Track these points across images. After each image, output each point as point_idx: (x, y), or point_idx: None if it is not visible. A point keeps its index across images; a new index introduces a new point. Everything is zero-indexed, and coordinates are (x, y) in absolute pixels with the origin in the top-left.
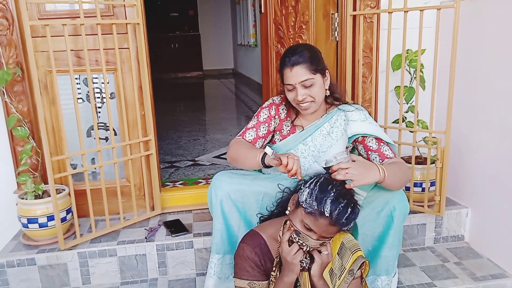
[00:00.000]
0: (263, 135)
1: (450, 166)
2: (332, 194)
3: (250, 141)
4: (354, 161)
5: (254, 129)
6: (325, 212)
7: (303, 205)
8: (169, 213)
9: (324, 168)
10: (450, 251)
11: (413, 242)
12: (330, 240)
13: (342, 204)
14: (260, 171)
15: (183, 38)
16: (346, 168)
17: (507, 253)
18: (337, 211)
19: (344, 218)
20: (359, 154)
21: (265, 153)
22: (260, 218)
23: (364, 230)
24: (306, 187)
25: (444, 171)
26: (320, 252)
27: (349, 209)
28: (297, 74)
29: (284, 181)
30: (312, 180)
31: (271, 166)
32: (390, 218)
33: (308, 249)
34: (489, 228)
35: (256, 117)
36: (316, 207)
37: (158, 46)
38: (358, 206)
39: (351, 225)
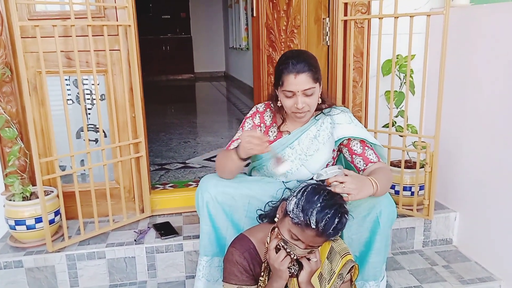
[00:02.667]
0: None
1: (439, 171)
2: (319, 204)
3: None
4: (347, 175)
5: (239, 140)
6: (311, 224)
7: (290, 215)
8: (158, 216)
9: (317, 181)
10: (439, 255)
11: (402, 245)
12: (318, 248)
13: (329, 215)
14: (250, 174)
15: (175, 41)
16: (343, 182)
17: (494, 257)
18: (323, 222)
19: (331, 229)
20: (344, 158)
21: (237, 147)
22: (259, 215)
23: (350, 234)
24: (293, 196)
25: (433, 175)
26: (309, 259)
27: (336, 219)
28: (302, 82)
29: (276, 184)
30: (299, 189)
31: (248, 159)
32: (376, 223)
33: (296, 257)
34: (477, 232)
35: (241, 128)
36: (302, 218)
37: (149, 48)
38: (346, 215)
39: (339, 234)
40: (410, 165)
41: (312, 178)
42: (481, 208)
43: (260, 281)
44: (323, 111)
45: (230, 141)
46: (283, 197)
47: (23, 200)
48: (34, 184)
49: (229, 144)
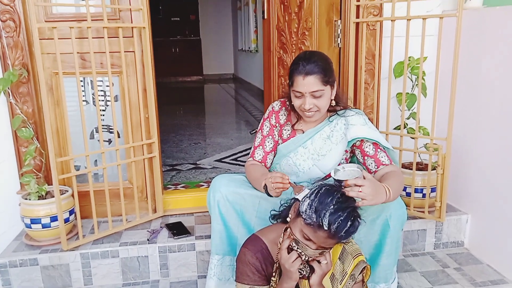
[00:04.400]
0: (270, 149)
1: (450, 173)
2: (332, 206)
3: (260, 160)
4: (365, 178)
5: (261, 146)
6: (324, 225)
7: (302, 216)
8: (171, 216)
9: (336, 180)
10: (450, 257)
11: (413, 247)
12: (329, 250)
13: (342, 218)
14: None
15: (184, 43)
16: (361, 186)
17: (506, 260)
18: (336, 224)
19: (343, 232)
20: (357, 159)
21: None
22: (272, 214)
23: (359, 237)
24: (307, 197)
25: (444, 177)
26: (319, 262)
27: (349, 223)
28: (309, 83)
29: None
30: (313, 190)
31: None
32: (386, 226)
33: (307, 258)
34: (488, 234)
35: (260, 131)
36: (315, 219)
37: (159, 50)
38: (358, 219)
39: (350, 237)
40: (421, 167)
41: (324, 178)
42: (493, 210)
43: (272, 281)
44: (337, 112)
45: (252, 148)
46: (293, 197)
47: (38, 199)
48: (49, 184)
49: (252, 152)
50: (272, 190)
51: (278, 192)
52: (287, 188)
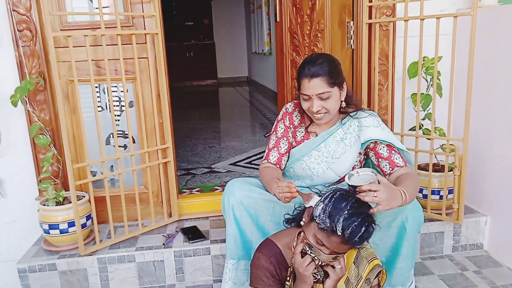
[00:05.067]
0: (285, 151)
1: (468, 174)
2: (346, 212)
3: (274, 162)
4: (379, 182)
5: (275, 148)
6: (337, 231)
7: (316, 220)
8: (186, 220)
9: (350, 185)
10: (469, 260)
11: (431, 250)
12: (343, 255)
13: (356, 223)
14: None
15: (198, 47)
16: (376, 191)
17: None
18: (349, 229)
19: (356, 237)
20: (371, 162)
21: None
22: (286, 218)
23: (374, 240)
24: (321, 201)
25: (462, 178)
26: (333, 267)
27: (363, 228)
28: (315, 86)
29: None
30: (327, 194)
31: None
32: (402, 229)
33: (321, 263)
34: (508, 236)
35: (274, 132)
36: (328, 224)
37: (173, 54)
38: (373, 225)
39: (364, 243)
40: (438, 168)
41: (339, 181)
42: None
43: (286, 286)
44: (350, 114)
45: (267, 150)
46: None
47: (56, 205)
48: (66, 189)
49: (267, 154)
50: (281, 199)
51: (287, 201)
52: (295, 197)
